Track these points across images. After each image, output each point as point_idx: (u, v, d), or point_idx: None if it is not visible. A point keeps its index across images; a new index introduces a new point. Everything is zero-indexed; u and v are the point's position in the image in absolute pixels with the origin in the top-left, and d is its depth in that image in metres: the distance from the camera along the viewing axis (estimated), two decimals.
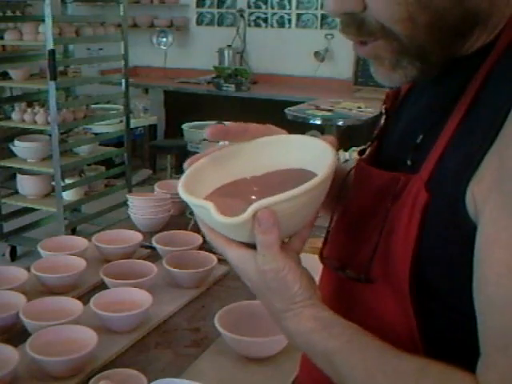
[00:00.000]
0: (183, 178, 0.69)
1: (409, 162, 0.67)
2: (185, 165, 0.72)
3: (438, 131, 0.64)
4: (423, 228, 0.62)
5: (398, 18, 0.61)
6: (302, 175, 0.69)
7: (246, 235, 0.63)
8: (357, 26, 0.64)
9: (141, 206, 1.94)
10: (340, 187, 0.77)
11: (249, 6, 5.90)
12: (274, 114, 4.12)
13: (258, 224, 0.61)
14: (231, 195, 0.71)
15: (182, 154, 5.00)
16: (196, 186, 0.69)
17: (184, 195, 0.66)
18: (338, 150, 0.71)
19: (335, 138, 0.72)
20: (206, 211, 0.62)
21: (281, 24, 5.79)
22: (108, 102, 4.96)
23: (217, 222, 0.62)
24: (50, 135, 3.58)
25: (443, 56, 0.65)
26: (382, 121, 0.80)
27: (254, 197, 0.71)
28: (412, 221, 0.63)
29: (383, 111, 0.81)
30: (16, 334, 1.30)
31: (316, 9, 5.52)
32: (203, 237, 1.62)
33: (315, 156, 0.70)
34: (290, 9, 5.72)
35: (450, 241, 0.61)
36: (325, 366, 0.66)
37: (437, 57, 0.64)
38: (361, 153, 0.80)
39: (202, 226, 0.68)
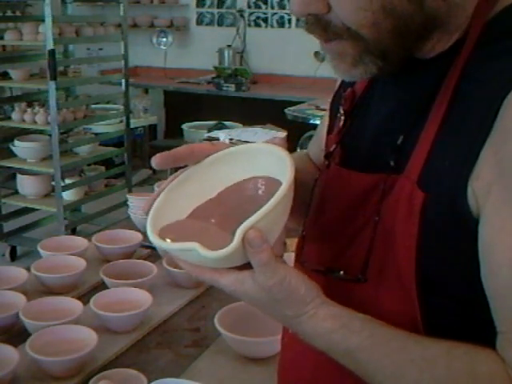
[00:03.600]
0: (149, 226, 0.67)
1: (392, 163, 0.67)
2: (143, 209, 0.71)
3: (418, 131, 0.66)
4: (423, 226, 0.63)
5: (364, 22, 0.62)
6: (255, 183, 0.70)
7: (237, 260, 0.63)
8: (322, 27, 0.65)
9: (141, 206, 1.93)
10: (311, 192, 0.78)
11: (249, 6, 5.90)
12: (274, 113, 4.12)
13: (249, 246, 0.61)
14: (197, 224, 0.70)
15: None
16: (162, 226, 0.68)
17: (162, 244, 0.65)
18: (288, 148, 0.71)
19: (283, 139, 0.72)
20: (192, 251, 0.62)
21: (281, 24, 5.80)
22: (108, 102, 4.95)
23: (207, 259, 0.62)
24: (50, 135, 3.58)
25: (404, 57, 0.67)
26: (341, 122, 0.80)
27: (213, 220, 0.69)
28: (412, 220, 0.64)
29: (341, 112, 0.81)
30: (16, 333, 1.30)
31: None
32: None
33: (264, 160, 0.70)
34: (290, 9, 5.71)
35: (451, 235, 0.62)
36: (349, 363, 0.66)
37: (398, 57, 0.66)
38: (327, 156, 0.80)
39: (184, 265, 0.67)
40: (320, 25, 0.65)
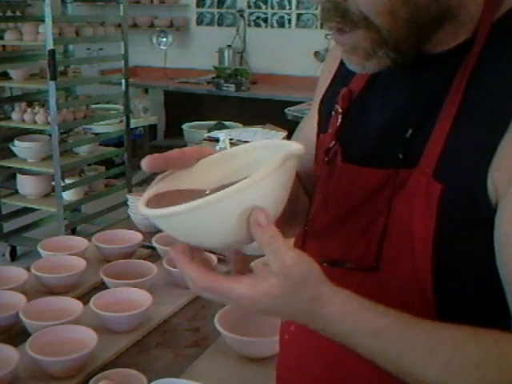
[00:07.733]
0: (142, 204, 0.61)
1: (400, 156, 0.68)
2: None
3: (429, 125, 0.67)
4: (440, 217, 0.65)
5: (381, 10, 0.64)
6: None
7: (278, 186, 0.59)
8: (340, 14, 0.66)
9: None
10: (313, 189, 0.79)
11: (249, 6, 5.90)
12: (274, 113, 4.13)
13: (256, 225, 0.58)
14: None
15: None
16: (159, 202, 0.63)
17: (170, 210, 0.57)
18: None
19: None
20: (220, 201, 0.55)
21: (281, 24, 5.79)
22: (108, 102, 4.95)
23: (245, 191, 0.56)
24: (50, 135, 3.57)
25: (416, 48, 0.68)
26: (339, 120, 0.80)
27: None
28: (429, 212, 0.65)
29: (339, 110, 0.81)
30: (16, 333, 1.30)
31: (316, 9, 5.51)
32: None
33: (263, 157, 0.66)
34: (290, 9, 5.72)
35: (468, 225, 0.64)
36: (375, 346, 0.63)
37: (411, 49, 0.67)
38: (327, 153, 0.80)
39: (189, 273, 0.60)
40: (337, 12, 0.66)
